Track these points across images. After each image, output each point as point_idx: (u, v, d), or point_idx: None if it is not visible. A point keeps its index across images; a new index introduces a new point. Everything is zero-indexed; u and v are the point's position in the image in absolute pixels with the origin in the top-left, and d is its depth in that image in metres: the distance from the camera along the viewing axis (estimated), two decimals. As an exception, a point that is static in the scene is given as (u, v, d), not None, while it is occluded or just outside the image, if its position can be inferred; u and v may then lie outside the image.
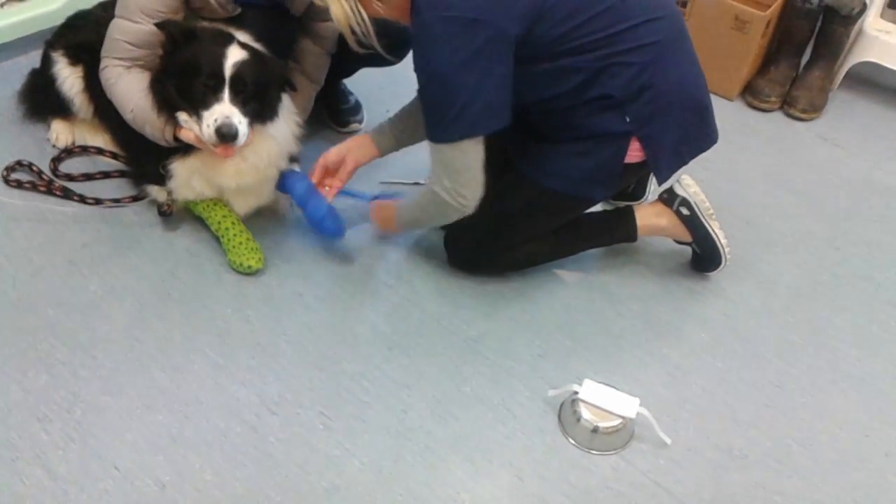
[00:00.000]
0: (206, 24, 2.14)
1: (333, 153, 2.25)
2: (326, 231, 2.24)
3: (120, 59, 2.15)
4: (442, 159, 1.95)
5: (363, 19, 1.85)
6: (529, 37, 1.84)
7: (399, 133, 2.26)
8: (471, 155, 1.93)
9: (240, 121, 1.99)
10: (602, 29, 1.88)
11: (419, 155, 2.36)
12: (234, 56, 2.00)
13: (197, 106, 2.02)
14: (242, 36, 2.13)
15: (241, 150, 2.09)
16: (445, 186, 1.96)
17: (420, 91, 1.93)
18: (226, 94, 1.99)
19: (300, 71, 2.40)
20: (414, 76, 1.91)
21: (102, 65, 2.17)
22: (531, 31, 1.84)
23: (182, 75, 2.03)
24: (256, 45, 2.11)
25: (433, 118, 1.91)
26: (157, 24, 2.07)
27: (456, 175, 1.95)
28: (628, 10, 1.91)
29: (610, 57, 1.90)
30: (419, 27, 1.82)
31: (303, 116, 2.37)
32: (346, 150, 2.25)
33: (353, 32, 1.87)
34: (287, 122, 2.22)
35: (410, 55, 1.92)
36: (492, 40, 1.80)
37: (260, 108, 2.08)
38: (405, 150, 2.30)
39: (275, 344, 2.07)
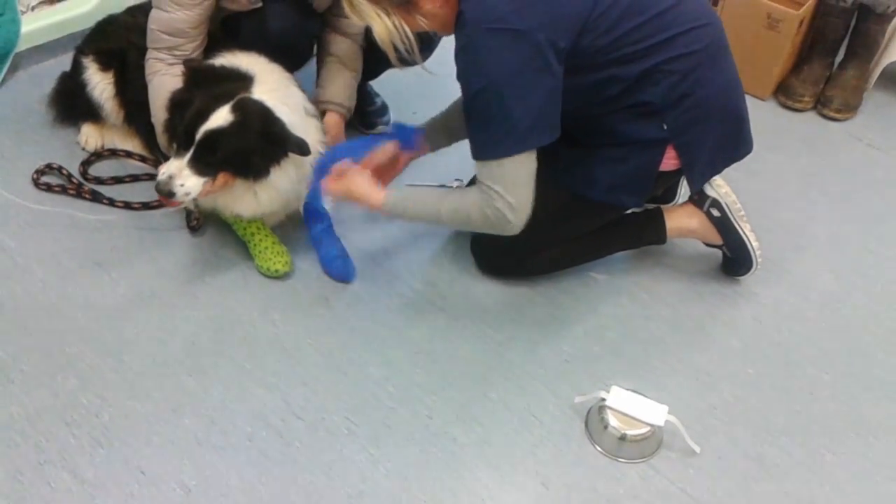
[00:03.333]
0: (226, 64, 2.11)
1: (386, 152, 2.20)
2: (334, 272, 2.24)
3: (158, 48, 2.19)
4: (502, 176, 1.86)
5: (407, 36, 1.82)
6: (576, 48, 1.81)
7: (450, 129, 2.23)
8: (531, 166, 1.88)
9: (182, 183, 1.97)
10: (647, 38, 1.86)
11: (443, 157, 2.35)
12: (214, 122, 1.95)
13: (176, 143, 2.03)
14: (263, 83, 2.07)
15: (250, 190, 2.09)
16: (510, 204, 1.86)
17: (467, 106, 1.86)
18: (189, 153, 1.97)
19: (337, 60, 2.37)
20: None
21: (147, 55, 2.22)
22: (577, 42, 1.81)
23: (176, 111, 2.05)
24: (269, 104, 2.03)
25: (483, 134, 1.85)
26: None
27: (521, 189, 1.87)
28: (673, 18, 1.88)
29: (653, 66, 1.88)
30: (466, 39, 1.79)
31: (349, 105, 2.34)
32: (397, 149, 2.22)
33: (396, 49, 1.83)
34: (294, 171, 2.12)
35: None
36: (541, 53, 1.77)
37: (241, 172, 2.04)
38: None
39: (300, 348, 2.07)
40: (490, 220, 1.91)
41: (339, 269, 2.23)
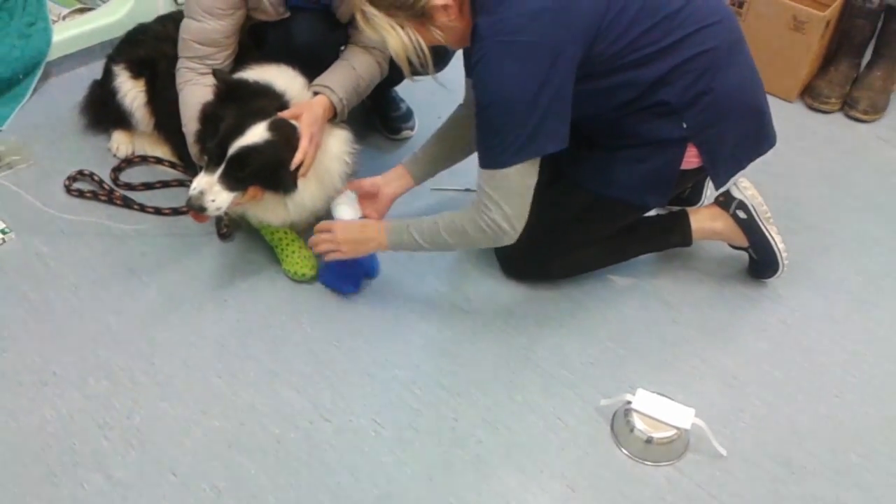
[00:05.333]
0: (256, 79, 2.11)
1: (367, 182, 2.22)
2: (359, 268, 2.22)
3: (190, 58, 2.21)
4: (501, 185, 1.88)
5: (422, 50, 1.82)
6: (589, 56, 1.82)
7: (433, 159, 2.25)
8: (531, 178, 1.89)
9: (213, 199, 1.99)
10: (659, 40, 1.86)
11: (468, 161, 2.36)
12: (248, 139, 1.98)
13: (207, 157, 2.04)
14: (293, 79, 2.13)
15: (280, 201, 2.11)
16: (506, 213, 1.89)
17: (479, 115, 1.88)
18: (220, 168, 1.99)
19: (348, 63, 2.25)
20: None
21: (178, 64, 2.24)
22: (590, 50, 1.82)
23: (207, 124, 2.07)
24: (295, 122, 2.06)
25: (493, 143, 1.86)
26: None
27: (517, 199, 1.89)
28: (684, 18, 1.88)
29: (667, 67, 1.88)
30: (480, 53, 1.80)
31: (341, 95, 2.17)
32: (382, 182, 2.23)
33: (411, 63, 1.84)
34: (321, 182, 2.16)
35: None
36: (555, 64, 1.78)
37: (271, 187, 2.07)
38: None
39: (327, 351, 2.09)
40: (485, 231, 1.92)
41: (364, 265, 2.21)
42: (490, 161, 1.89)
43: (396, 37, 1.80)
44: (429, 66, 1.85)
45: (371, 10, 1.79)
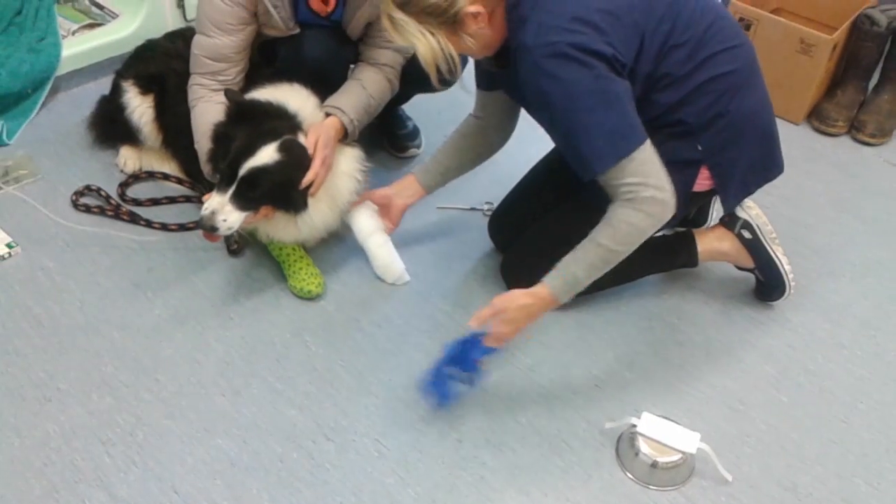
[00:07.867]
0: (269, 100, 2.11)
1: (378, 194, 2.25)
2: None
3: (202, 74, 2.22)
4: (632, 169, 1.79)
5: (451, 56, 1.79)
6: (632, 71, 1.82)
7: (444, 169, 2.26)
8: (651, 151, 1.82)
9: (225, 218, 2.00)
10: (685, 61, 1.87)
11: (473, 180, 2.37)
12: (258, 160, 1.99)
13: (219, 176, 2.05)
14: (306, 99, 2.15)
15: (292, 220, 2.13)
16: (654, 186, 1.78)
17: (557, 130, 1.86)
18: (232, 189, 2.00)
19: (358, 82, 2.28)
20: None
21: (189, 81, 2.25)
22: (635, 63, 1.82)
23: (219, 144, 2.08)
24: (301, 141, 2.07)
25: (591, 147, 1.80)
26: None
27: (653, 168, 1.80)
28: (709, 39, 1.89)
29: (690, 87, 1.89)
30: (532, 66, 1.76)
31: (352, 116, 2.20)
32: (392, 192, 2.25)
33: (439, 70, 1.81)
34: (328, 202, 2.18)
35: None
36: (610, 67, 1.76)
37: (281, 205, 2.09)
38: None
39: (332, 369, 2.08)
40: (647, 214, 1.82)
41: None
42: (605, 161, 1.80)
43: (426, 43, 1.77)
44: (458, 72, 1.83)
45: (401, 16, 1.76)
